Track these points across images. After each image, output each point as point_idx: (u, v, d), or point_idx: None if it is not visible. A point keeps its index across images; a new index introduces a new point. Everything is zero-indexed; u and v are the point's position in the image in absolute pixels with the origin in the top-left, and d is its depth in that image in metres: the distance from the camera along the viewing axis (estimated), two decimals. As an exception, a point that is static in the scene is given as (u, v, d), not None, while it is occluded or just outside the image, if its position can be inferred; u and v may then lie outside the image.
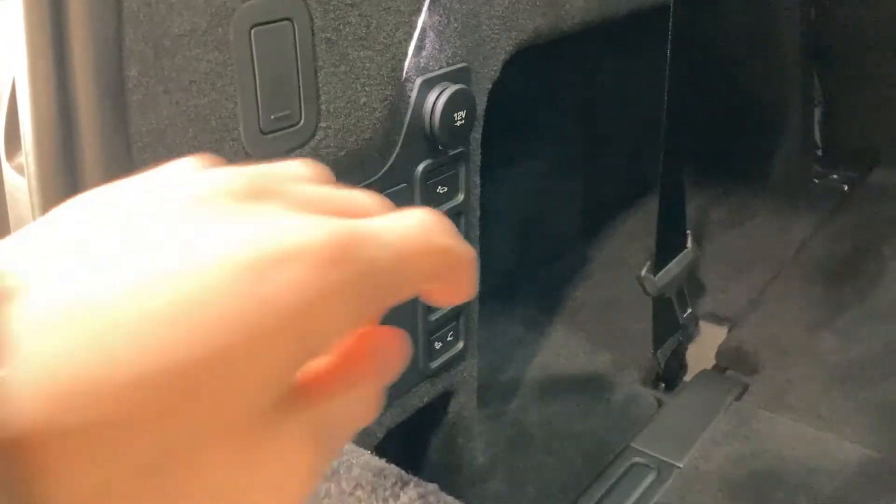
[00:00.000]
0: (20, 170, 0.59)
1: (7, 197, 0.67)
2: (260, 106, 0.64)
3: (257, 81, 0.63)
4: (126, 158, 0.56)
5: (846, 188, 1.94)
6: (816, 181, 1.96)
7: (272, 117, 0.65)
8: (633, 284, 1.35)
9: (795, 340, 1.40)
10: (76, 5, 0.52)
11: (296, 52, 0.66)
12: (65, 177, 0.55)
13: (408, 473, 0.81)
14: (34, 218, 0.58)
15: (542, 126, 1.45)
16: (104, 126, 0.54)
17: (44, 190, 0.55)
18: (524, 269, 1.46)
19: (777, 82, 1.94)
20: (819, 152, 2.05)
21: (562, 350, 1.38)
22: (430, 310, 0.93)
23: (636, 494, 1.12)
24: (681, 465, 1.15)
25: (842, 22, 1.92)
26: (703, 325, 1.46)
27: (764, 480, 1.11)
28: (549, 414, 1.24)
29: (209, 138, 0.61)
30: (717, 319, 1.47)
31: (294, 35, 0.65)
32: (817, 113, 2.03)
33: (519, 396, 1.28)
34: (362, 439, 0.90)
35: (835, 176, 1.97)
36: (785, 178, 1.93)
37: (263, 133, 0.65)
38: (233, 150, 0.63)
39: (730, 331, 1.43)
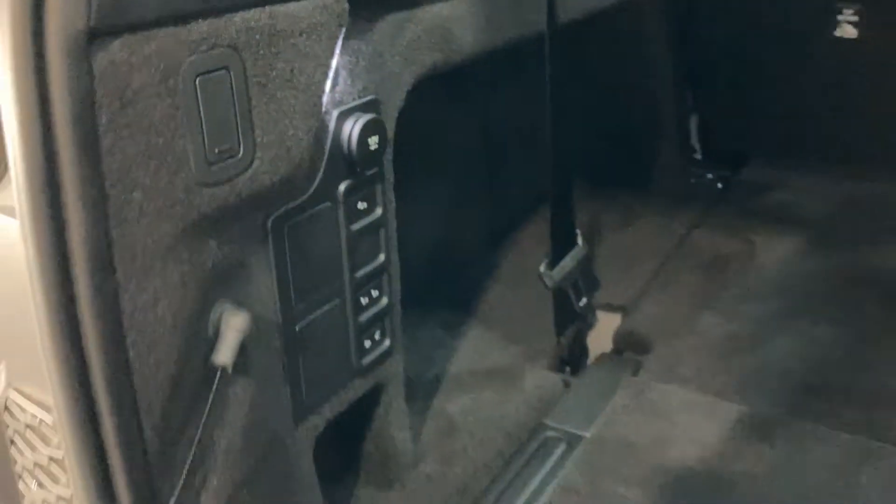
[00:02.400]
0: (10, 212, 0.69)
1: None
2: (206, 141, 0.75)
3: (203, 121, 0.75)
4: (100, 193, 0.67)
5: (720, 185, 2.17)
6: (694, 181, 2.19)
7: (216, 150, 0.77)
8: (536, 284, 1.51)
9: (681, 321, 1.58)
10: (56, 67, 0.63)
11: (233, 95, 0.78)
12: (51, 210, 0.65)
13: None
14: (26, 255, 0.68)
15: (450, 147, 1.60)
16: (82, 166, 0.65)
17: (34, 224, 0.65)
18: (439, 277, 1.60)
19: (653, 100, 2.16)
20: (697, 156, 2.28)
21: (477, 346, 1.52)
22: (358, 312, 1.06)
23: (550, 464, 1.27)
24: (587, 435, 1.31)
25: (709, 45, 2.16)
26: (599, 313, 1.64)
27: (659, 441, 1.28)
28: (471, 402, 1.38)
29: (166, 171, 0.72)
30: (612, 308, 1.64)
31: (231, 81, 0.77)
32: (693, 122, 2.27)
33: (442, 390, 1.41)
34: (306, 431, 1.02)
35: (710, 175, 2.20)
36: (665, 181, 2.14)
37: (210, 164, 0.77)
38: (185, 179, 0.75)
39: (624, 317, 1.61)
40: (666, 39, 2.09)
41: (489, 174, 1.61)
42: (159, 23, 0.69)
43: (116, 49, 0.66)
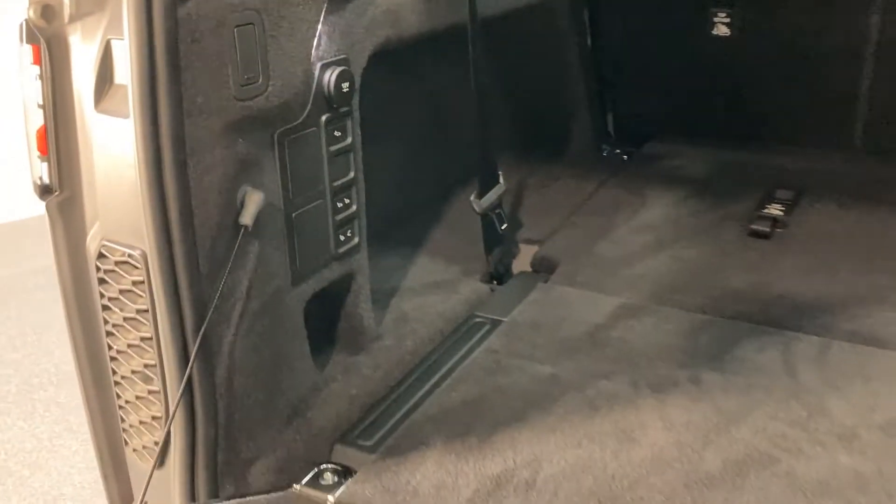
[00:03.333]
0: (118, 112, 1.11)
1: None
2: (240, 70, 1.17)
3: (238, 56, 1.17)
4: (179, 97, 1.09)
5: (625, 157, 2.64)
6: (605, 154, 2.66)
7: (245, 77, 1.19)
8: (471, 220, 1.94)
9: (583, 249, 2.03)
10: (157, 15, 1.05)
11: (256, 41, 1.20)
12: (150, 109, 1.07)
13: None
14: (134, 142, 1.09)
15: (408, 112, 2.02)
16: (169, 79, 1.07)
17: (139, 119, 1.06)
18: (399, 213, 2.02)
19: (570, 89, 2.62)
20: (611, 132, 2.76)
21: (427, 266, 1.94)
22: (335, 212, 1.48)
23: (477, 337, 1.70)
24: (506, 319, 1.74)
25: (613, 42, 2.64)
26: (522, 246, 2.07)
27: (558, 321, 1.72)
28: (420, 302, 1.80)
29: (216, 86, 1.14)
30: (532, 242, 2.08)
31: (255, 32, 1.19)
32: (604, 107, 2.74)
33: (399, 295, 1.83)
34: (299, 293, 1.42)
35: (618, 150, 2.67)
36: (581, 154, 2.61)
37: (241, 86, 1.18)
38: (227, 93, 1.16)
39: (539, 247, 2.06)
40: (576, 39, 2.56)
41: (436, 132, 2.03)
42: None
43: (191, 6, 1.08)
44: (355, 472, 1.34)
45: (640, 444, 1.35)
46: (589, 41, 2.66)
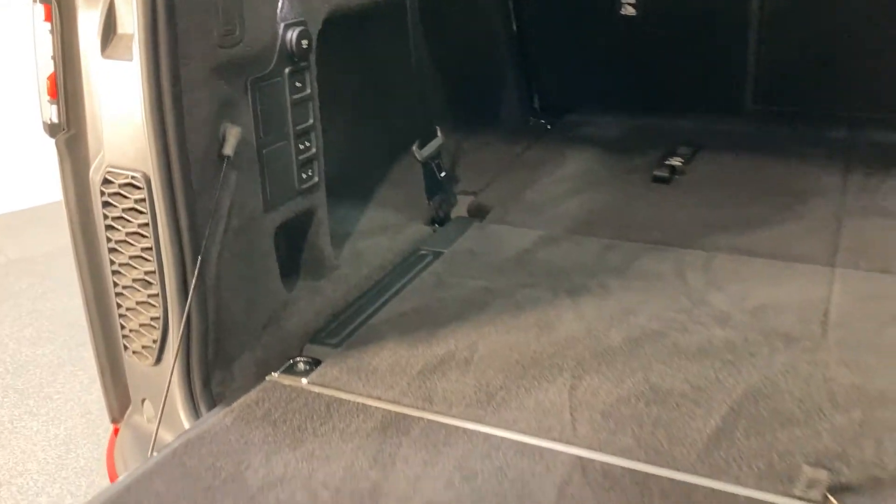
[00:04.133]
0: (123, 56, 1.35)
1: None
2: (222, 22, 1.43)
3: (220, 12, 1.42)
4: (175, 45, 1.34)
5: (549, 126, 2.96)
6: (531, 123, 2.98)
7: (226, 28, 1.44)
8: (418, 175, 2.22)
9: (512, 197, 2.34)
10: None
11: (233, 1, 1.46)
12: (154, 54, 1.31)
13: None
14: (141, 82, 1.34)
15: (355, 78, 2.28)
16: (167, 28, 1.32)
17: (144, 63, 1.31)
18: (352, 170, 2.27)
19: (498, 68, 2.93)
20: (537, 107, 3.07)
21: (378, 214, 2.21)
22: (297, 153, 1.74)
23: (421, 265, 1.98)
24: (446, 251, 2.03)
25: (536, 24, 2.95)
26: (459, 197, 2.37)
27: (492, 249, 2.02)
28: (371, 242, 2.07)
29: (203, 34, 1.39)
30: (468, 193, 2.38)
31: None
32: (530, 82, 3.06)
33: (353, 237, 2.09)
34: (270, 219, 1.68)
35: (542, 120, 2.99)
36: (510, 123, 2.92)
37: (223, 35, 1.44)
38: (211, 41, 1.42)
39: (474, 197, 2.35)
40: (502, 23, 2.88)
41: (384, 95, 2.30)
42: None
43: (182, -32, 1.34)
44: (323, 362, 1.61)
45: (556, 330, 1.65)
46: (514, 26, 2.97)
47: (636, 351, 1.56)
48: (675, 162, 2.47)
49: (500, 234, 2.12)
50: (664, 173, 2.37)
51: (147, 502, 1.22)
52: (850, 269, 1.83)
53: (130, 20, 1.35)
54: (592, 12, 2.84)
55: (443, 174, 2.21)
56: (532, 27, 2.97)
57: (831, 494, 1.18)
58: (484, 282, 1.86)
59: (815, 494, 1.18)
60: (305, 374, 1.57)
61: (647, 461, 1.27)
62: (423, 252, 2.06)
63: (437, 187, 2.21)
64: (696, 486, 1.22)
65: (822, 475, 1.19)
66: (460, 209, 2.34)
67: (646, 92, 2.87)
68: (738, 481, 1.22)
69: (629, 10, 2.79)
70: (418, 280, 1.91)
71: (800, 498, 1.18)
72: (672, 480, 1.23)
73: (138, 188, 1.44)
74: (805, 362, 1.50)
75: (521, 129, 2.91)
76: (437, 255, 2.03)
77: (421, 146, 2.11)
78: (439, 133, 2.17)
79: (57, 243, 4.05)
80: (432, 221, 2.22)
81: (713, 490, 1.21)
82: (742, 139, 2.65)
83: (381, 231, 2.13)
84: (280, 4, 1.61)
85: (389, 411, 1.43)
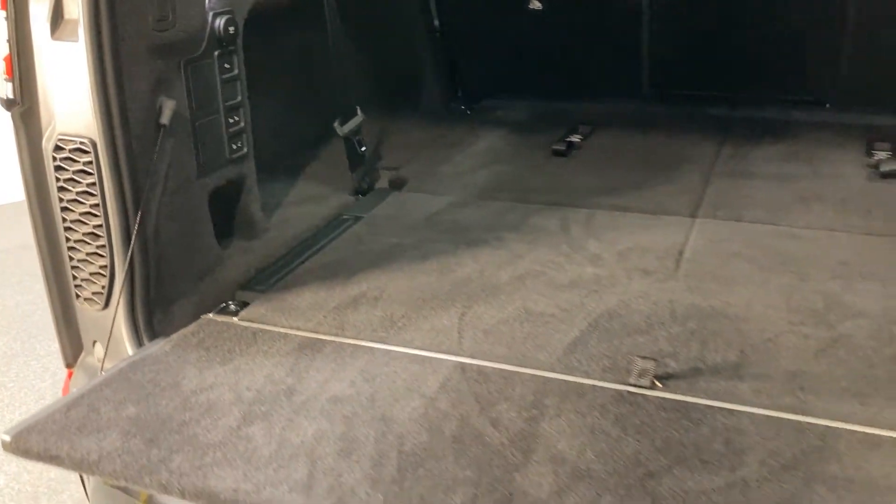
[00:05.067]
0: (70, 37, 1.59)
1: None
2: (159, 10, 1.67)
3: (155, 1, 1.67)
4: (116, 27, 1.58)
5: (468, 112, 3.25)
6: (452, 108, 3.26)
7: (160, 14, 1.69)
8: (343, 152, 2.48)
9: (428, 170, 2.61)
10: None
11: None
12: (97, 35, 1.55)
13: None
14: (86, 59, 1.58)
15: (280, 66, 2.53)
16: (109, 13, 1.56)
17: (89, 43, 1.55)
18: (283, 148, 2.52)
19: (420, 59, 3.20)
20: (458, 94, 3.35)
21: (306, 186, 2.46)
22: (227, 126, 1.98)
23: (344, 227, 2.24)
24: (366, 215, 2.30)
25: (454, 18, 3.23)
26: (382, 172, 2.63)
27: (406, 213, 2.29)
28: (299, 209, 2.32)
29: (140, 19, 1.63)
30: (389, 168, 2.65)
31: None
32: (454, 72, 3.34)
33: (282, 206, 2.34)
34: (203, 184, 1.92)
35: (462, 105, 3.28)
36: (433, 109, 3.19)
37: (158, 20, 1.68)
38: (148, 25, 1.65)
39: (395, 171, 2.62)
40: (423, 17, 3.15)
41: (311, 81, 2.55)
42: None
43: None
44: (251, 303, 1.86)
45: (455, 273, 1.92)
46: (436, 22, 3.25)
47: (519, 286, 1.85)
48: (574, 138, 2.77)
49: (414, 200, 2.40)
50: (562, 147, 2.67)
51: (97, 406, 1.45)
52: (708, 220, 2.14)
53: (76, 7, 1.59)
54: (505, 8, 3.13)
55: (363, 149, 2.47)
56: (452, 23, 3.25)
57: (658, 381, 1.47)
58: (396, 239, 2.13)
59: (645, 381, 1.47)
60: (236, 313, 1.82)
61: (514, 363, 1.55)
62: (345, 217, 2.32)
63: (359, 161, 2.48)
64: (551, 379, 1.50)
65: (650, 365, 1.48)
66: (383, 183, 2.61)
67: (553, 78, 3.17)
68: (586, 375, 1.51)
69: (536, 5, 3.08)
70: (339, 239, 2.17)
71: (633, 385, 1.47)
72: (533, 376, 1.51)
73: (86, 153, 1.68)
74: (656, 289, 1.79)
75: (442, 113, 3.19)
76: (357, 219, 2.30)
77: (342, 123, 2.37)
78: (359, 112, 2.44)
79: (5, 244, 4.24)
80: (356, 192, 2.49)
81: (566, 381, 1.49)
82: (636, 118, 2.96)
83: (308, 200, 2.38)
84: (208, -3, 1.87)
85: (306, 337, 1.69)
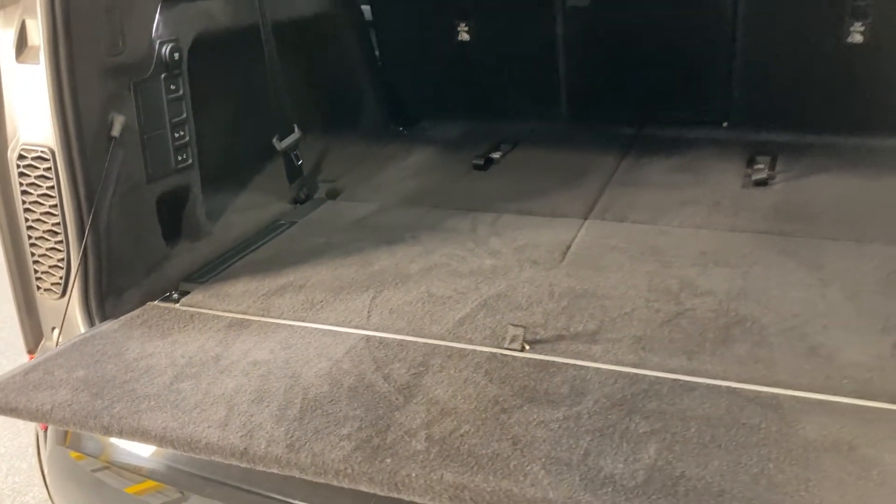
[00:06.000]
0: (33, 60, 1.86)
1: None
2: (111, 39, 1.95)
3: (107, 29, 1.95)
4: (72, 52, 1.85)
5: (405, 132, 3.56)
6: (391, 129, 3.56)
7: (112, 43, 1.97)
8: (280, 161, 2.77)
9: (363, 180, 2.91)
10: None
11: (118, 21, 1.99)
12: (56, 60, 1.83)
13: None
14: (46, 75, 1.85)
15: (224, 87, 2.81)
16: (69, 36, 1.84)
17: (49, 60, 1.82)
18: (228, 162, 2.80)
19: (361, 83, 3.51)
20: (395, 115, 3.65)
21: (249, 195, 2.74)
22: (173, 140, 2.26)
23: (278, 231, 2.52)
24: (300, 220, 2.58)
25: (389, 46, 3.55)
26: (320, 184, 2.92)
27: (336, 218, 2.57)
28: (243, 217, 2.59)
29: (95, 47, 1.91)
30: (327, 181, 2.94)
31: (117, 17, 1.98)
32: (389, 96, 3.65)
33: (226, 213, 2.61)
34: (152, 189, 2.19)
35: (399, 126, 3.59)
36: (373, 130, 3.50)
37: (111, 48, 1.96)
38: (103, 52, 1.93)
39: (331, 183, 2.91)
40: (364, 48, 3.46)
41: (253, 101, 2.83)
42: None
43: (78, -1, 1.87)
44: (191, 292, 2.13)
45: (372, 265, 2.21)
46: (377, 52, 3.57)
47: (426, 275, 2.14)
48: (495, 155, 3.09)
49: (345, 207, 2.69)
50: (481, 162, 2.98)
51: (51, 370, 1.71)
52: (597, 220, 2.45)
53: (37, 35, 1.87)
54: (437, 39, 3.45)
55: (300, 163, 2.76)
56: (391, 52, 3.57)
57: (528, 345, 1.76)
58: (325, 239, 2.41)
59: (516, 345, 1.76)
60: (177, 300, 2.09)
61: (411, 334, 1.83)
62: (282, 222, 2.60)
63: (297, 173, 2.77)
64: (440, 346, 1.78)
65: (521, 332, 1.77)
66: (321, 193, 2.90)
67: (480, 101, 3.49)
68: (470, 342, 1.80)
69: (464, 36, 3.41)
70: (274, 239, 2.45)
71: (507, 349, 1.76)
72: (425, 343, 1.79)
73: (45, 160, 1.95)
74: (541, 276, 2.09)
75: (380, 132, 3.49)
76: (292, 223, 2.58)
77: (280, 139, 2.66)
78: (297, 129, 2.73)
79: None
80: (294, 201, 2.77)
81: (451, 347, 1.78)
82: (553, 137, 3.29)
83: (249, 207, 2.66)
84: (155, 26, 2.16)
85: (237, 318, 1.97)
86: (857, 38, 2.91)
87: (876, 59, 2.90)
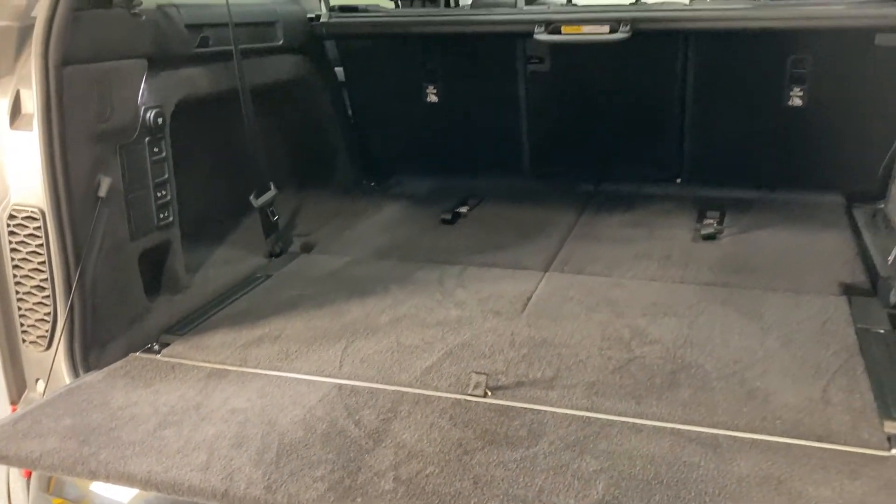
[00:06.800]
0: (27, 126, 1.99)
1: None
2: (99, 109, 2.09)
3: (96, 99, 2.09)
4: (63, 125, 1.99)
5: (377, 188, 3.72)
6: (363, 184, 3.72)
7: (102, 112, 2.11)
8: (257, 217, 2.90)
9: (334, 236, 3.05)
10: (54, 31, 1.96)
11: (106, 92, 2.13)
12: (48, 127, 1.96)
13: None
14: (38, 137, 1.98)
15: (205, 148, 2.96)
16: (60, 105, 1.97)
17: (43, 129, 1.96)
18: (207, 217, 2.93)
19: (334, 141, 3.68)
20: (366, 172, 3.82)
21: (226, 250, 2.86)
22: (155, 199, 2.39)
23: (253, 284, 2.64)
24: (275, 274, 2.70)
25: (365, 110, 3.73)
26: (295, 238, 3.05)
27: (311, 270, 2.70)
28: (220, 270, 2.71)
29: (87, 117, 2.05)
30: (301, 235, 3.07)
31: (106, 87, 2.12)
32: (360, 152, 3.82)
33: (205, 267, 2.73)
34: (134, 246, 2.31)
35: (372, 182, 3.75)
36: (344, 185, 3.65)
37: (100, 115, 2.11)
38: (93, 121, 2.08)
39: (306, 237, 3.05)
40: (337, 109, 3.64)
41: (233, 160, 2.97)
42: (84, 60, 2.06)
43: (71, 69, 2.01)
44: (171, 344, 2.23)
45: (344, 316, 2.34)
46: (350, 111, 3.75)
47: (395, 325, 2.27)
48: (462, 209, 3.25)
49: (318, 260, 2.82)
50: (448, 216, 3.15)
51: (39, 419, 1.81)
52: (556, 273, 2.61)
53: (31, 104, 2.01)
54: (407, 99, 3.63)
55: (276, 218, 2.90)
56: (363, 111, 3.75)
57: (490, 391, 1.89)
58: (299, 291, 2.54)
59: (479, 392, 1.89)
60: (159, 351, 2.20)
61: (381, 382, 1.96)
62: (258, 275, 2.72)
63: (273, 229, 2.90)
64: (408, 393, 1.91)
65: (483, 379, 1.90)
66: (295, 247, 3.03)
67: (449, 159, 3.67)
68: (436, 389, 1.92)
69: (432, 98, 3.60)
70: (251, 292, 2.57)
71: (471, 395, 1.89)
72: (394, 391, 1.92)
73: (35, 219, 2.07)
74: (503, 326, 2.23)
75: (353, 188, 3.65)
76: (268, 276, 2.71)
77: (257, 197, 2.80)
78: (272, 187, 2.87)
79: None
80: (270, 255, 2.90)
81: (419, 394, 1.90)
82: (517, 192, 3.47)
83: (227, 262, 2.79)
84: (141, 93, 2.30)
85: (216, 368, 2.08)
86: (797, 101, 3.14)
87: (814, 121, 3.13)
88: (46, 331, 2.13)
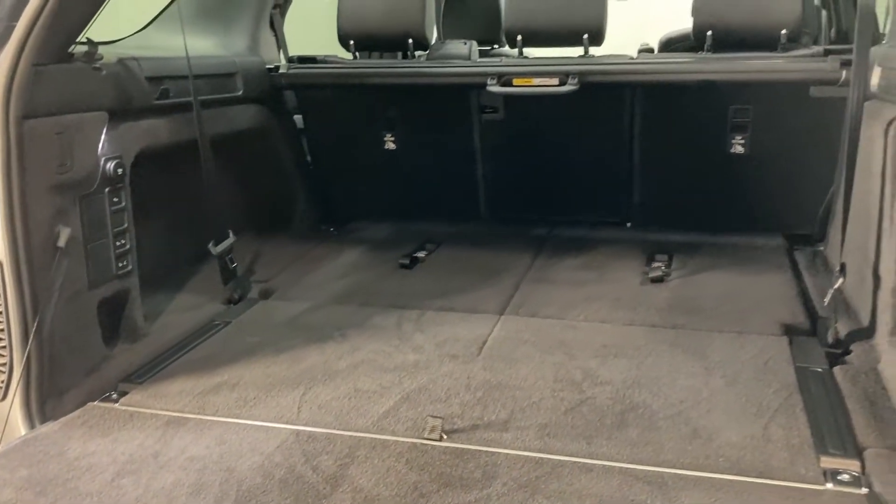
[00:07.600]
0: None
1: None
2: (60, 161, 2.13)
3: (57, 151, 2.13)
4: (22, 173, 2.02)
5: (335, 233, 3.77)
6: (322, 229, 3.77)
7: (61, 164, 2.14)
8: (215, 264, 2.93)
9: (294, 282, 3.08)
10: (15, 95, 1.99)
11: (66, 144, 2.16)
12: (8, 194, 1.99)
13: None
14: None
15: (164, 197, 2.99)
16: (23, 167, 2.00)
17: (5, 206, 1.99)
18: (165, 265, 2.95)
19: (293, 187, 3.73)
20: (325, 217, 3.87)
21: (183, 295, 2.88)
22: (115, 248, 2.41)
23: (212, 332, 2.66)
24: (234, 320, 2.73)
25: (319, 153, 3.80)
26: (254, 284, 3.08)
27: (269, 317, 2.73)
28: (179, 317, 2.73)
29: (47, 172, 2.08)
30: (260, 281, 3.11)
31: (66, 139, 2.16)
32: (323, 199, 3.88)
33: (164, 314, 2.75)
34: (93, 295, 2.32)
35: (331, 228, 3.80)
36: (303, 230, 3.70)
37: (59, 167, 2.14)
38: (52, 174, 2.11)
39: (264, 283, 3.08)
40: (296, 156, 3.70)
41: (187, 207, 3.01)
42: (45, 114, 2.09)
43: (32, 122, 2.05)
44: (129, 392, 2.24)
45: (303, 363, 2.37)
46: (308, 157, 3.81)
47: (353, 371, 2.31)
48: (420, 254, 3.32)
49: (277, 307, 2.86)
50: (406, 261, 3.21)
51: (-4, 471, 1.81)
52: (511, 316, 2.68)
53: (-8, 157, 2.03)
54: (365, 146, 3.71)
55: (234, 265, 2.93)
56: (322, 158, 3.82)
57: (445, 434, 1.94)
58: (258, 338, 2.57)
59: (435, 435, 1.93)
60: (117, 400, 2.20)
61: (339, 428, 1.99)
62: (216, 322, 2.75)
63: (231, 275, 2.93)
64: (365, 438, 1.94)
65: (439, 423, 1.95)
66: (254, 293, 3.06)
67: (407, 204, 3.75)
68: (393, 434, 1.96)
69: (391, 146, 3.69)
70: (209, 340, 2.59)
71: (427, 438, 1.93)
72: (352, 436, 1.95)
73: (-8, 271, 2.08)
74: (459, 370, 2.29)
75: (312, 234, 3.70)
76: (227, 323, 2.73)
77: (216, 244, 2.84)
78: (231, 234, 2.91)
79: None
80: (229, 302, 2.92)
81: (376, 438, 1.94)
82: (474, 237, 3.55)
83: (185, 309, 2.81)
84: (101, 144, 2.34)
85: (174, 416, 2.09)
86: (739, 149, 3.29)
87: (756, 168, 3.28)
88: (2, 381, 2.13)
